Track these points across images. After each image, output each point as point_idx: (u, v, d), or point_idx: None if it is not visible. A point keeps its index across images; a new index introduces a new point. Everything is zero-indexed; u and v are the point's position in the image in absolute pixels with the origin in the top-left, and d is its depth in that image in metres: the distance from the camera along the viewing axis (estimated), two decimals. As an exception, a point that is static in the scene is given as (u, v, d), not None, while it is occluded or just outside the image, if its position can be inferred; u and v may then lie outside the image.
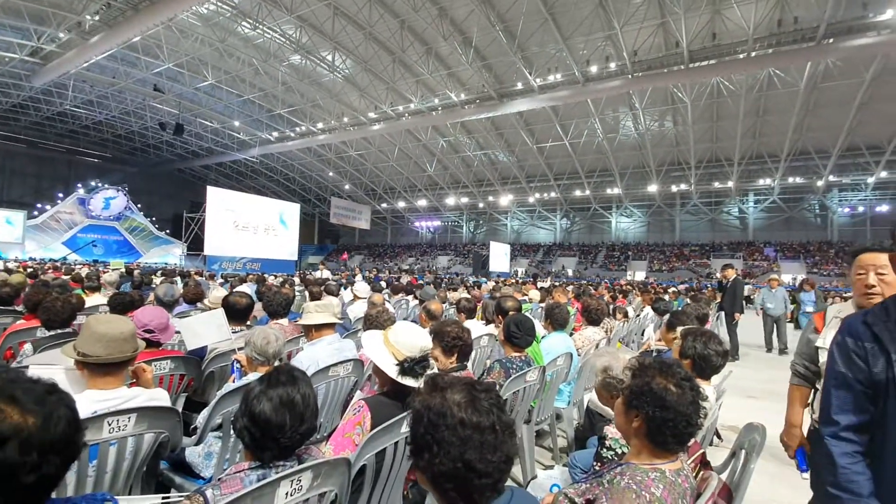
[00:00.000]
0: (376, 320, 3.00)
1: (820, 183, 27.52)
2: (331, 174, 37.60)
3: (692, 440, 1.37)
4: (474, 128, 28.78)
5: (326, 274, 13.83)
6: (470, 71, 21.38)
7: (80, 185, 32.72)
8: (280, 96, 25.47)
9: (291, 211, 27.97)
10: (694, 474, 1.48)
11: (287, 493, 1.18)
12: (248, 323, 3.58)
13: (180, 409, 2.75)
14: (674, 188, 31.09)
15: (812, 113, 22.61)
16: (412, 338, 1.87)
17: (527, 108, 23.08)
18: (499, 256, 31.61)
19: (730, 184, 29.03)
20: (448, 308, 6.91)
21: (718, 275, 8.66)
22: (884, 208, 28.00)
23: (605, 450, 1.68)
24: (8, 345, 3.20)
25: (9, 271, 8.85)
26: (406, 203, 41.29)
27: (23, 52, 20.30)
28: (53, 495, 0.86)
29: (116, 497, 1.07)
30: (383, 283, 10.49)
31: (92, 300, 5.07)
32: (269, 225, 25.95)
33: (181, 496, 1.32)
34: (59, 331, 3.15)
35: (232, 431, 2.10)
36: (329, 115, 27.34)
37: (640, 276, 31.08)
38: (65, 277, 7.70)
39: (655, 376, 1.28)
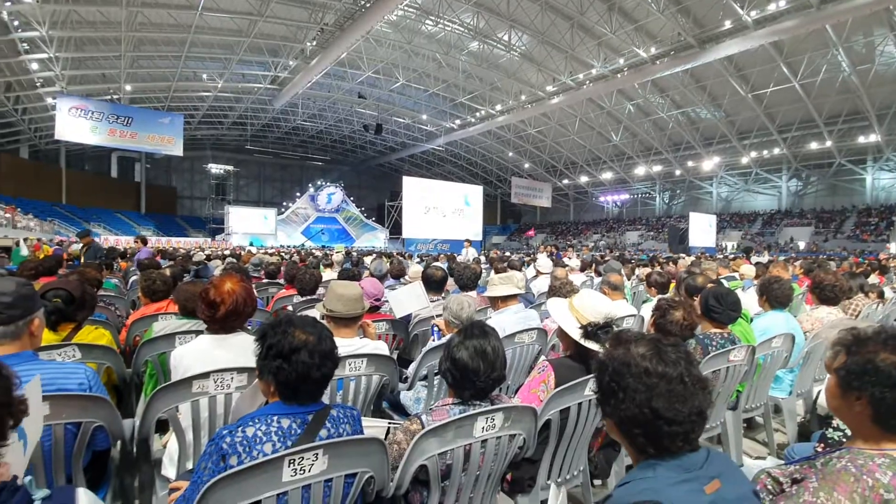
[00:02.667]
0: (559, 291, 3.07)
1: None
2: (510, 154, 38.24)
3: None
4: (668, 84, 25.49)
5: (472, 252, 13.86)
6: (662, 20, 18.99)
7: (310, 185, 40.62)
8: (461, 85, 26.88)
9: (475, 193, 29.54)
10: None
11: (483, 428, 1.38)
12: (443, 294, 4.05)
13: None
14: None
15: None
16: (596, 303, 1.91)
17: (738, 50, 19.21)
18: (701, 229, 27.68)
19: None
20: (637, 284, 6.48)
21: None
22: None
23: (831, 430, 1.44)
24: (277, 307, 4.31)
25: (268, 254, 11.72)
26: (589, 177, 39.30)
27: (266, 82, 26.06)
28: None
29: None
30: (570, 260, 10.36)
31: (326, 275, 6.38)
32: (456, 208, 27.96)
33: (403, 420, 1.64)
34: (310, 297, 4.11)
35: (436, 380, 2.47)
36: (507, 96, 27.73)
37: (912, 247, 23.50)
38: (311, 259, 9.87)
39: (879, 352, 1.06)
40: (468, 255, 13.16)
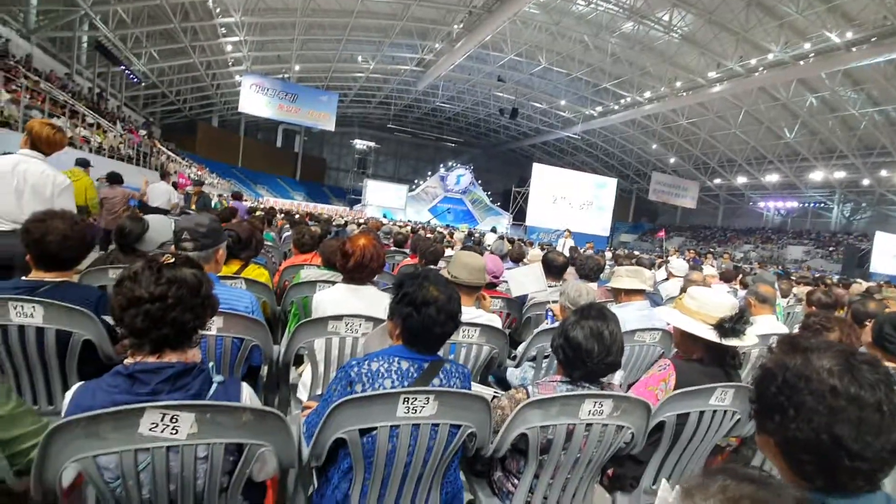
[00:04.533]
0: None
1: None
2: (654, 147, 35.07)
3: None
4: (865, 76, 20.83)
5: (569, 244, 12.45)
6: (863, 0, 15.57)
7: (441, 165, 42.12)
8: (607, 69, 25.28)
9: (607, 186, 27.93)
10: None
11: (590, 411, 1.35)
12: (562, 281, 3.96)
13: (506, 339, 3.38)
14: None
15: None
16: (716, 297, 1.73)
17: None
18: (888, 253, 22.68)
19: None
20: (795, 304, 5.60)
21: None
22: None
23: None
24: (401, 273, 4.64)
25: (398, 226, 12.58)
26: (748, 178, 34.24)
27: (412, 64, 27.38)
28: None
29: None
30: (709, 268, 9.30)
31: (448, 252, 6.69)
32: (586, 200, 26.76)
33: (509, 392, 1.68)
34: (432, 266, 4.35)
35: (544, 363, 2.45)
36: (659, 82, 25.34)
37: None
38: (431, 236, 10.38)
39: None
40: (564, 246, 11.97)
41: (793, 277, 8.00)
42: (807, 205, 33.95)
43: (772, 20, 18.48)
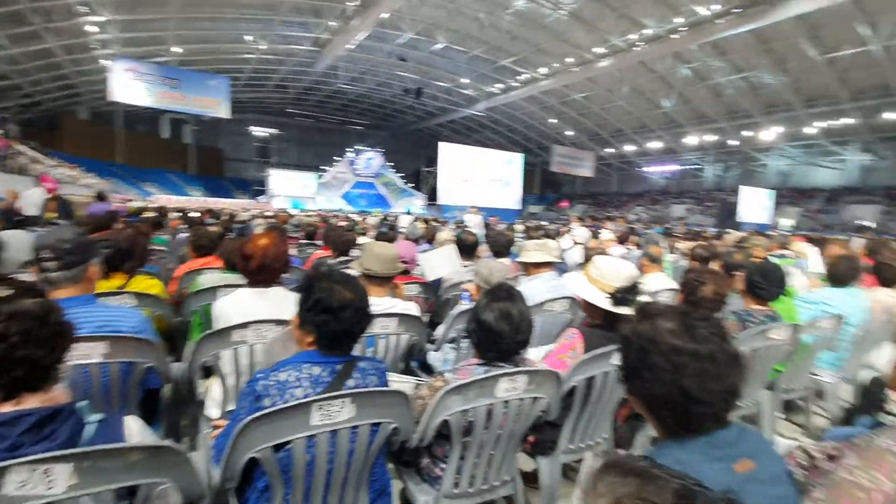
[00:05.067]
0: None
1: None
2: (552, 121, 36.93)
3: None
4: (730, 47, 23.48)
5: (477, 220, 12.19)
6: (727, -27, 17.43)
7: (349, 150, 40.80)
8: (504, 47, 25.92)
9: (515, 161, 29.00)
10: None
11: (505, 389, 1.41)
12: (475, 260, 4.05)
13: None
14: None
15: None
16: (616, 268, 1.88)
17: (815, 6, 17.34)
18: (754, 204, 26.27)
19: None
20: (679, 259, 6.26)
21: None
22: None
23: (884, 415, 1.38)
24: (315, 266, 4.45)
25: (308, 216, 12.04)
26: (635, 146, 37.54)
27: (307, 44, 26.00)
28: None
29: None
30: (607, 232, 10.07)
31: (362, 239, 6.54)
32: (496, 176, 27.59)
33: (430, 378, 1.68)
34: (343, 257, 4.22)
35: (463, 343, 2.51)
36: (553, 59, 26.54)
37: None
38: (343, 224, 10.09)
39: None
40: (473, 223, 11.84)
41: (676, 233, 8.93)
42: (685, 167, 38.20)
43: (647, -4, 20.03)
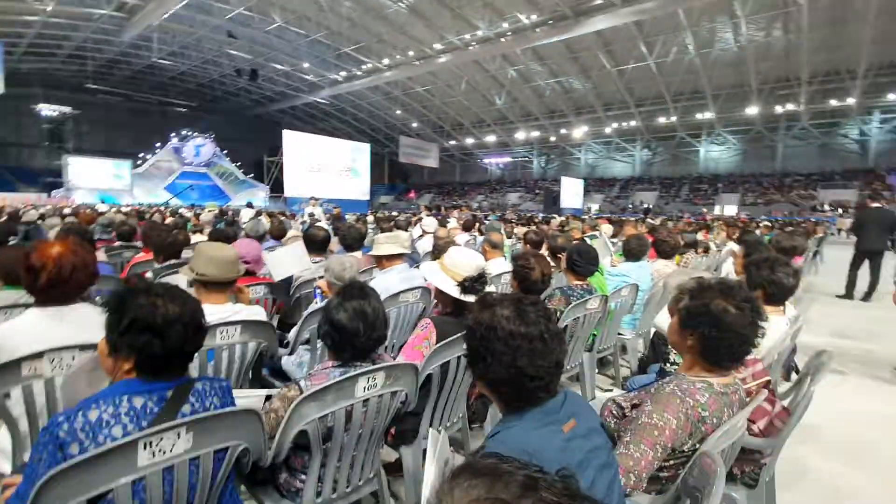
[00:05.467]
0: (444, 249, 3.16)
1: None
2: (398, 112, 37.47)
3: (750, 356, 1.38)
4: (547, 53, 26.79)
5: (318, 212, 11.63)
6: (542, -13, 19.67)
7: (172, 135, 35.01)
8: (346, 33, 25.26)
9: (362, 151, 28.68)
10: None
11: (364, 388, 1.39)
12: (326, 255, 3.91)
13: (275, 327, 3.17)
14: (778, 109, 26.98)
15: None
16: (467, 259, 2.02)
17: (607, 25, 20.76)
18: (571, 192, 30.54)
19: (850, 101, 24.89)
20: (516, 242, 6.96)
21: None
22: None
23: (669, 365, 1.74)
24: (133, 273, 3.79)
25: (124, 214, 10.13)
26: (474, 139, 40.43)
27: (109, 8, 21.69)
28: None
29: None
30: (453, 220, 10.66)
31: (195, 238, 5.76)
32: (344, 166, 26.92)
33: (282, 387, 1.58)
34: (173, 261, 3.68)
35: (319, 344, 2.41)
36: (394, 50, 26.82)
37: (730, 210, 28.56)
38: (171, 220, 8.74)
39: (715, 298, 1.28)
40: (305, 214, 11.31)
41: (511, 219, 9.89)
42: (517, 159, 42.53)
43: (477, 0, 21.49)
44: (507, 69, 29.01)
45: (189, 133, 35.52)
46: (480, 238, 7.11)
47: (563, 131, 35.42)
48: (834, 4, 19.34)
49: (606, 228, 7.32)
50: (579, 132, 34.13)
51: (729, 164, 33.51)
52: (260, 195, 35.41)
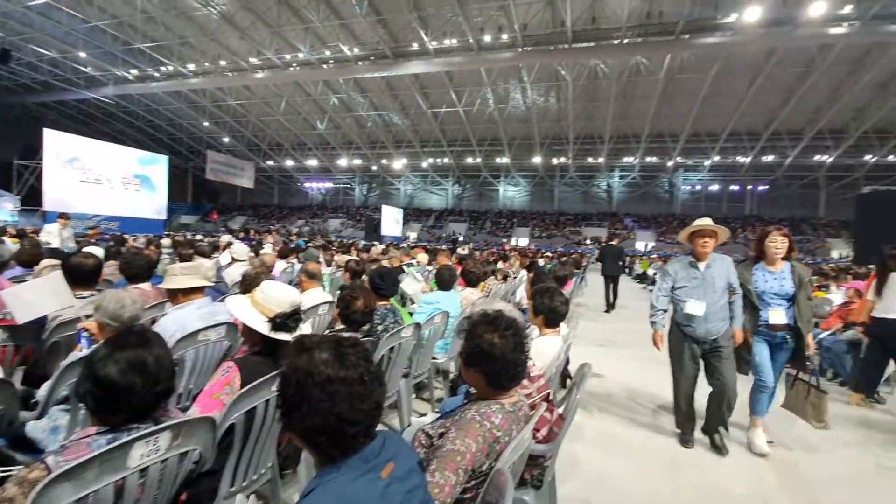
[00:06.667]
0: (255, 281, 2.92)
1: (670, 163, 32.06)
2: (206, 124, 33.64)
3: (535, 373, 1.63)
4: (369, 86, 27.71)
5: (66, 233, 8.71)
6: (364, 24, 20.34)
7: None
8: (139, 27, 21.78)
9: (160, 163, 24.73)
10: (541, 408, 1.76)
11: (142, 455, 1.15)
12: (99, 287, 3.20)
13: (18, 383, 2.46)
14: (554, 161, 33.83)
15: (668, 101, 25.70)
16: (281, 293, 1.90)
17: (422, 70, 22.74)
18: (391, 220, 31.59)
19: (601, 160, 32.37)
20: (336, 271, 6.83)
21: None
22: (715, 187, 34.39)
23: (473, 389, 1.90)
24: None
25: None
26: (294, 162, 38.85)
27: None
28: None
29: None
30: (267, 247, 9.92)
31: None
32: (129, 178, 22.68)
33: (21, 467, 1.21)
34: None
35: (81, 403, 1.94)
36: (202, 57, 24.18)
37: (523, 241, 33.48)
38: None
39: (483, 334, 1.47)
40: (57, 236, 8.49)
41: (331, 247, 9.74)
42: (339, 185, 42.33)
43: (299, 22, 21.06)
44: (329, 95, 28.93)
45: None
46: (299, 265, 6.80)
47: (384, 161, 36.86)
48: (587, 85, 24.91)
49: (422, 257, 7.78)
50: (399, 164, 36.05)
51: (522, 202, 39.53)
52: (7, 207, 27.09)
